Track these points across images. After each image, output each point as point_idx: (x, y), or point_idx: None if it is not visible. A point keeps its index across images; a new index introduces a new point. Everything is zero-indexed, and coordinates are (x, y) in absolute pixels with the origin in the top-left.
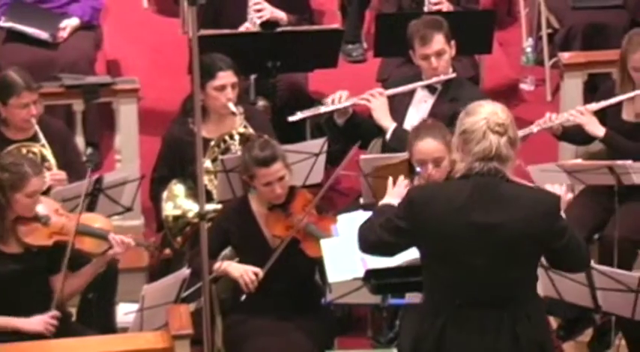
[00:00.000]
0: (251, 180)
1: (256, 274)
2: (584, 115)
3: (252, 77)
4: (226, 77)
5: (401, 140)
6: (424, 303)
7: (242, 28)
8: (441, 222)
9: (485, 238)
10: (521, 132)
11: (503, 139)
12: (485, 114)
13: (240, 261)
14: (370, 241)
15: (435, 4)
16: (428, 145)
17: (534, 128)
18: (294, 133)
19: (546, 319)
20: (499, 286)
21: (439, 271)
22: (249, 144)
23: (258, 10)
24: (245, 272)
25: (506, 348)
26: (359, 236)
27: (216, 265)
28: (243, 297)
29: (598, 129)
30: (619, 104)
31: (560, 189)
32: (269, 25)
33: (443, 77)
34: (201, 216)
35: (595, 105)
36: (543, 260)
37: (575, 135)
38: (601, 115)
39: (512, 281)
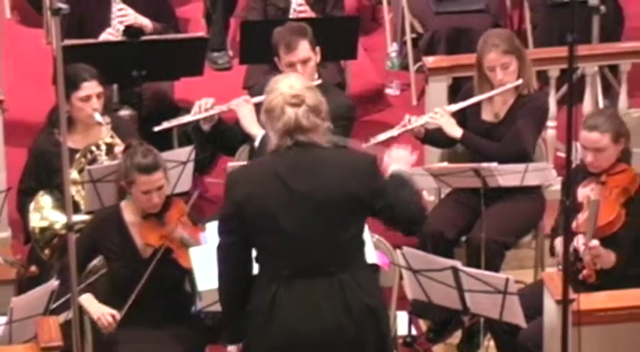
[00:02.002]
0: (129, 187)
1: (113, 317)
2: (442, 117)
3: (115, 86)
4: (91, 87)
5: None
6: (257, 276)
7: (105, 34)
8: (262, 197)
9: (306, 207)
10: (382, 136)
11: (301, 110)
12: (280, 89)
13: (111, 271)
14: (223, 264)
15: (300, 12)
16: None
17: (395, 131)
18: (161, 142)
19: (377, 285)
20: (325, 254)
21: (266, 244)
22: (130, 151)
23: (122, 16)
24: (102, 316)
25: (337, 315)
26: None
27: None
28: (104, 338)
29: (456, 131)
30: (478, 105)
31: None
32: (133, 32)
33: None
34: (69, 227)
35: (454, 107)
36: (412, 264)
37: (437, 137)
38: (461, 116)
39: (338, 248)
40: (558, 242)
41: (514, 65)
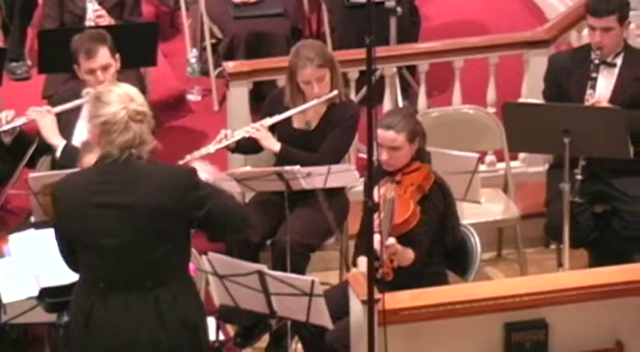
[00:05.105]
0: None
1: None
2: (259, 131)
3: None
4: None
5: (71, 156)
6: (77, 286)
7: None
8: (78, 209)
9: (120, 219)
10: (198, 153)
11: (145, 126)
12: (122, 102)
13: None
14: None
15: (97, 18)
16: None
17: (212, 147)
18: None
19: (196, 299)
20: (141, 268)
21: (84, 257)
22: None
23: None
24: None
25: (151, 330)
26: None
27: None
28: None
29: (274, 145)
30: None
31: None
32: None
33: None
34: None
35: (269, 121)
36: (218, 270)
37: (248, 148)
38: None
39: (155, 262)
40: (359, 261)
41: (328, 77)
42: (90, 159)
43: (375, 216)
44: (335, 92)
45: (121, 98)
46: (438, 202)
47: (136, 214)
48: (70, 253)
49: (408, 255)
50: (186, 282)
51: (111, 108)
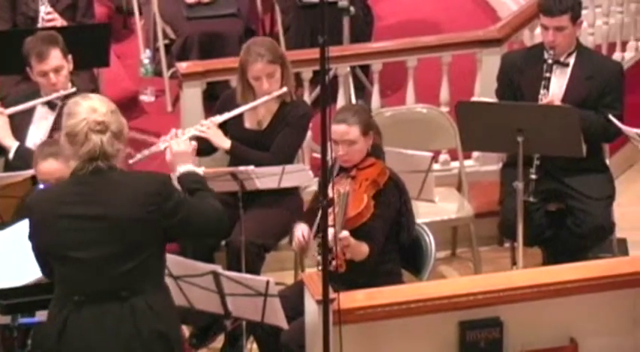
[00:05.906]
0: None
1: None
2: (209, 129)
3: None
4: None
5: (24, 158)
6: (53, 298)
7: None
8: (50, 221)
9: (94, 231)
10: (147, 151)
11: (106, 137)
12: (84, 113)
13: None
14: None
15: (49, 20)
16: (49, 165)
17: (161, 145)
18: None
19: (171, 309)
20: (116, 278)
21: (58, 269)
22: None
23: None
24: None
25: (127, 341)
26: None
27: None
28: None
29: (224, 142)
30: (241, 113)
31: None
32: None
33: (63, 92)
34: None
35: (219, 118)
36: (173, 271)
37: (200, 147)
38: (223, 124)
39: (130, 272)
40: (296, 227)
41: (278, 73)
42: (45, 165)
43: (330, 210)
44: (285, 89)
45: (85, 110)
46: (392, 197)
47: (108, 225)
48: (45, 264)
49: (363, 249)
50: (162, 291)
51: (73, 120)
